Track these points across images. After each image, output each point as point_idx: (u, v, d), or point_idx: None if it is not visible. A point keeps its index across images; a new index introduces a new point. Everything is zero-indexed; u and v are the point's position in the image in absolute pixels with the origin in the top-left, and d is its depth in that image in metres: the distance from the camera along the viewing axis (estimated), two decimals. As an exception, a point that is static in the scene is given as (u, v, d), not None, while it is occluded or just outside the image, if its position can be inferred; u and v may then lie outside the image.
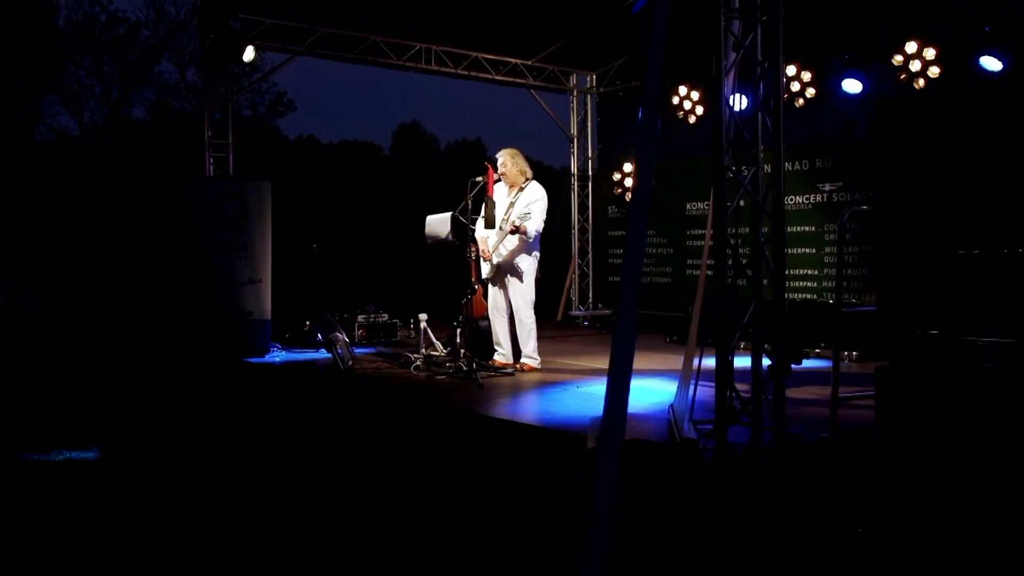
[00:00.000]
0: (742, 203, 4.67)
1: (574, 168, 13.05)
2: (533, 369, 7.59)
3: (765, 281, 4.62)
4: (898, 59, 8.51)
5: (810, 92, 9.47)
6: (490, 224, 7.36)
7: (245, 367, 8.30)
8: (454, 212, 7.53)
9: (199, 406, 6.49)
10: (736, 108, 4.74)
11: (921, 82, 8.34)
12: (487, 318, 7.85)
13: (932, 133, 8.08)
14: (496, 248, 7.52)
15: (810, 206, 9.69)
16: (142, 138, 21.98)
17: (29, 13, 20.14)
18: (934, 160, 7.92)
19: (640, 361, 2.90)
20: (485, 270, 7.65)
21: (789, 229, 5.39)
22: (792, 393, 5.19)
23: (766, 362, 4.52)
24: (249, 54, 9.73)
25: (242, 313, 8.81)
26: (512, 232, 7.34)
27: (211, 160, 9.71)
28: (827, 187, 9.53)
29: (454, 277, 7.87)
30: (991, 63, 7.73)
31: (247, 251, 8.88)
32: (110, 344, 8.96)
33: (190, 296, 8.66)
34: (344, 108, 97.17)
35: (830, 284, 9.46)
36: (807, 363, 7.75)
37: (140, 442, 5.37)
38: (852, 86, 9.00)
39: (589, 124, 12.99)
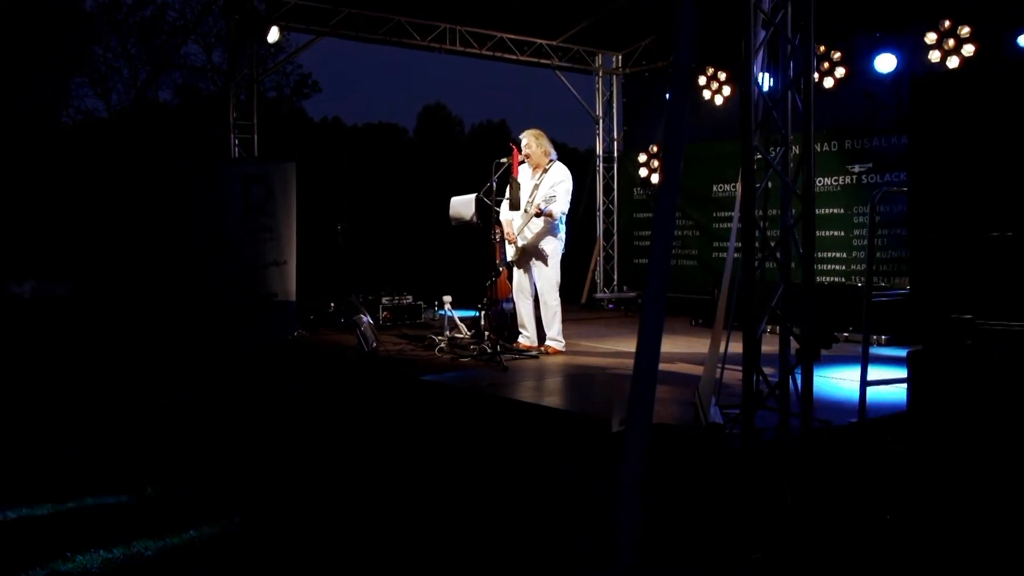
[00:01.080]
0: (770, 185, 4.59)
1: (599, 150, 12.96)
2: (558, 352, 7.56)
3: (793, 264, 4.55)
4: (931, 38, 8.36)
5: (840, 72, 9.35)
6: (515, 206, 7.31)
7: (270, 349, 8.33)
8: (478, 194, 7.49)
9: (220, 389, 6.51)
10: (765, 88, 4.65)
11: (955, 61, 8.18)
12: (511, 300, 7.81)
13: (966, 113, 7.92)
14: (521, 231, 7.48)
15: (839, 188, 9.56)
16: (169, 120, 22.12)
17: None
18: (969, 140, 7.76)
19: (665, 344, 2.87)
20: (510, 252, 7.61)
21: (818, 211, 5.33)
22: (820, 378, 5.13)
23: (794, 346, 4.46)
24: (274, 35, 9.73)
25: (267, 295, 8.83)
26: (537, 215, 7.29)
27: (236, 142, 9.74)
28: (857, 168, 9.41)
29: (478, 259, 7.85)
30: (1029, 42, 7.57)
31: (272, 233, 8.88)
32: (137, 327, 9.02)
33: (216, 278, 8.69)
34: (369, 90, 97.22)
35: (859, 267, 9.34)
36: (836, 347, 7.68)
37: (151, 432, 5.39)
38: (885, 62, 8.85)
39: (614, 105, 12.90)
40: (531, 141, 7.47)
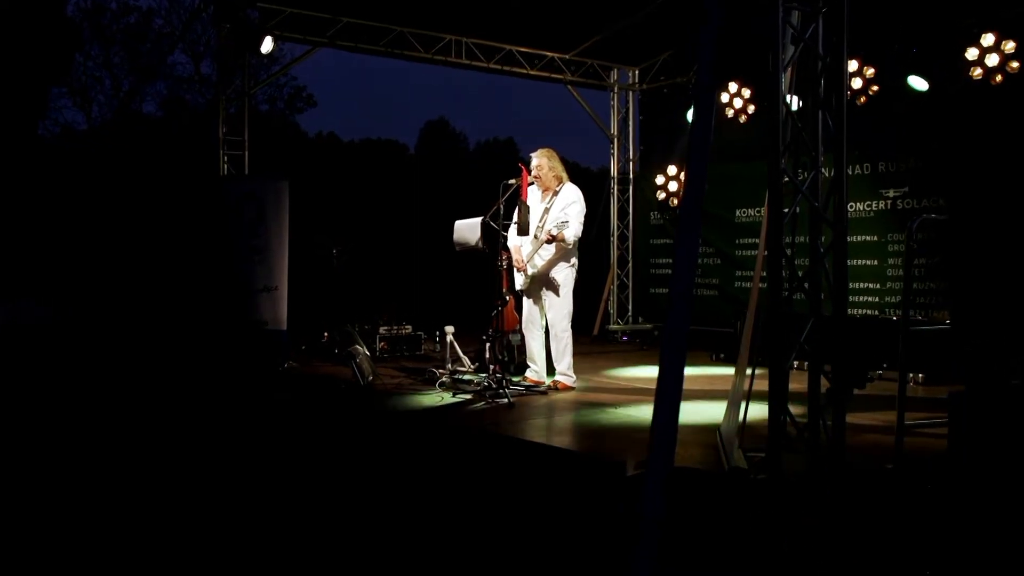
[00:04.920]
0: (798, 210, 4.60)
1: (614, 170, 13.00)
2: (568, 387, 7.53)
3: (824, 295, 4.54)
4: (972, 53, 8.38)
5: (873, 89, 9.36)
6: (523, 231, 7.31)
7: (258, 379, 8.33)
8: (485, 217, 7.50)
9: (206, 421, 6.52)
10: (794, 106, 4.67)
11: (998, 78, 8.20)
12: (518, 331, 7.79)
13: (1013, 133, 7.92)
14: (531, 258, 7.47)
15: (872, 214, 9.56)
16: (153, 134, 22.24)
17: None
18: (1013, 163, 7.76)
19: (685, 381, 2.84)
20: (519, 281, 7.60)
21: (849, 238, 5.29)
22: (853, 419, 5.10)
23: (825, 384, 4.44)
24: (267, 45, 9.79)
25: (256, 323, 8.80)
26: (549, 241, 7.27)
27: (226, 158, 9.79)
28: (891, 193, 9.40)
29: (484, 287, 7.85)
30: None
31: (262, 256, 8.83)
32: (119, 355, 9.03)
33: (201, 304, 8.69)
34: (367, 103, 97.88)
35: (893, 299, 9.31)
36: (869, 386, 7.64)
37: (140, 453, 5.42)
38: (919, 83, 8.88)
39: (630, 123, 12.97)
40: (543, 162, 7.47)
